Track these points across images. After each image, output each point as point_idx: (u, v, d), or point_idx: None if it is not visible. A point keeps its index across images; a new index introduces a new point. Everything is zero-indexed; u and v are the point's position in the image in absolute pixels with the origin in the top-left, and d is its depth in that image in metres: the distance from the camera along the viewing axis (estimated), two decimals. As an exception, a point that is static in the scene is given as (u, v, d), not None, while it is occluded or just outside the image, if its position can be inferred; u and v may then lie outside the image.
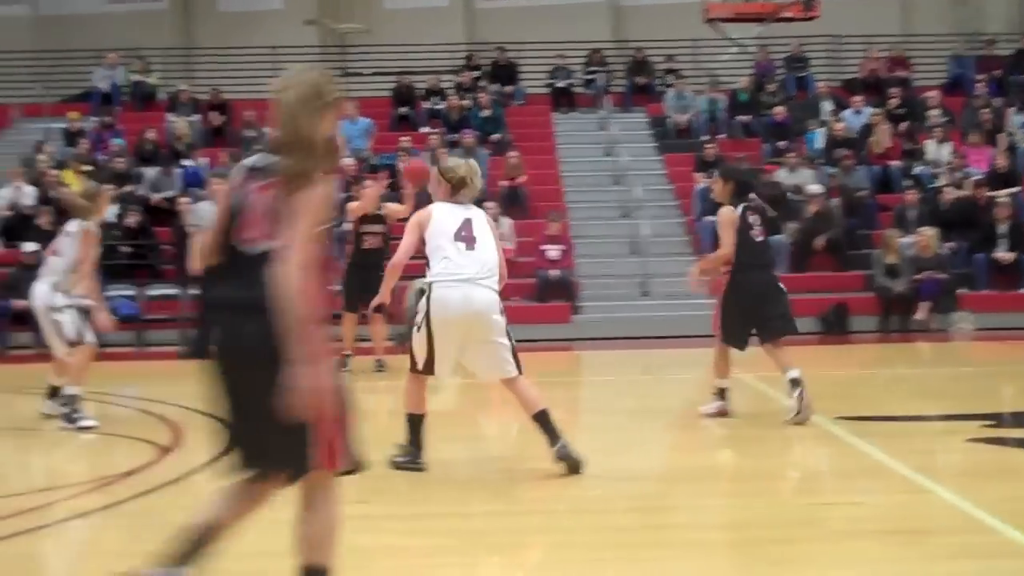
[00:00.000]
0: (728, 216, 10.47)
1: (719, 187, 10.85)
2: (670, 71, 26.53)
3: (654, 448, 10.08)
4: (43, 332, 10.84)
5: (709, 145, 23.01)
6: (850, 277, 20.44)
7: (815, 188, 21.08)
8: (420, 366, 8.16)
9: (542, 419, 8.04)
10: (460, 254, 8.11)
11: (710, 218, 21.18)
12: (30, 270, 18.40)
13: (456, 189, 8.32)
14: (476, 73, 26.42)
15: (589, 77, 26.63)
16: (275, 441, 4.52)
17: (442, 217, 8.24)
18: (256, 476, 4.69)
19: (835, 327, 19.42)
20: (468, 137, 23.11)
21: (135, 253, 20.38)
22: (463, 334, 8.07)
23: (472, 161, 8.74)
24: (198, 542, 4.70)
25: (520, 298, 20.03)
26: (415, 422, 8.35)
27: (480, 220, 8.29)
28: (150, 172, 22.22)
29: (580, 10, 29.07)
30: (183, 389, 12.01)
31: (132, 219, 20.11)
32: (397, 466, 8.21)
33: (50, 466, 9.58)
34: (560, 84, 26.36)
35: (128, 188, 21.62)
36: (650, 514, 7.08)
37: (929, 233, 19.74)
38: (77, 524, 7.16)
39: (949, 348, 17.99)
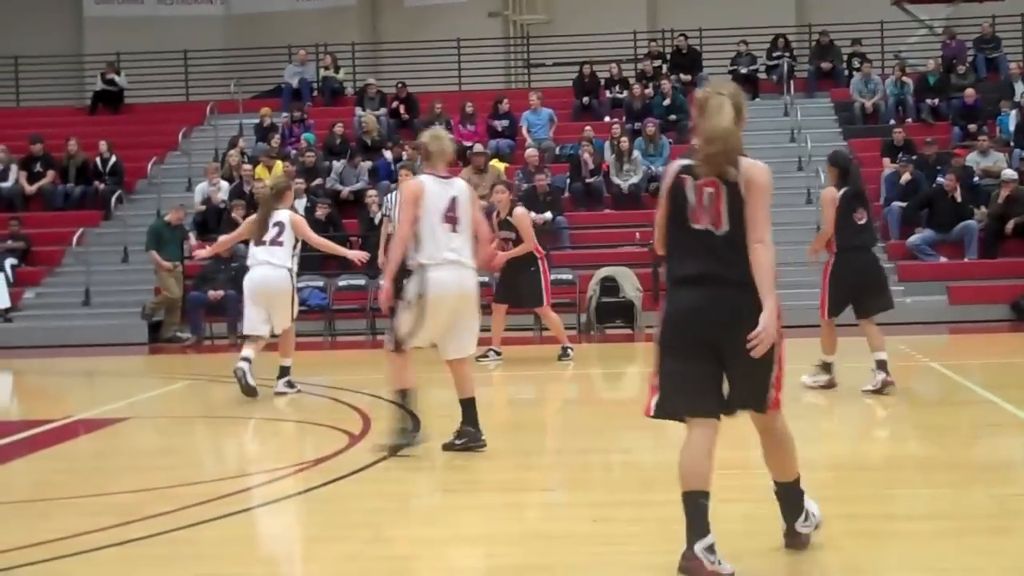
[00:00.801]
0: (829, 196, 11.07)
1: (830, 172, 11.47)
2: (856, 55, 26.07)
3: (842, 437, 9.96)
4: (273, 316, 11.56)
5: (897, 129, 22.59)
6: (1044, 262, 19.88)
7: (1008, 172, 20.54)
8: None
9: (468, 404, 8.45)
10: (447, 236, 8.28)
11: (898, 203, 20.90)
12: (226, 263, 19.04)
13: (428, 160, 8.49)
14: (658, 61, 26.33)
15: (773, 63, 26.34)
16: (757, 384, 5.46)
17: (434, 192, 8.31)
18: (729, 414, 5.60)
19: (1027, 314, 18.91)
20: (650, 126, 23.05)
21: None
22: (449, 311, 8.30)
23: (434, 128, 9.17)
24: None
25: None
26: (408, 397, 8.58)
27: (464, 197, 8.38)
28: (338, 165, 22.66)
29: (763, -5, 28.76)
30: (371, 377, 12.32)
31: (321, 211, 20.56)
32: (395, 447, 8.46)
33: (245, 453, 9.86)
34: (743, 70, 26.10)
35: (318, 181, 22.09)
36: (841, 504, 7.02)
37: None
38: (272, 509, 7.38)
39: None
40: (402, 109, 25.09)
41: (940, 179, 20.55)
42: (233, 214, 20.02)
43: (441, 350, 8.45)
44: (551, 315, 14.74)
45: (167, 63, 27.67)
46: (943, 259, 20.09)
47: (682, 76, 25.89)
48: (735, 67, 26.24)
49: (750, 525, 6.28)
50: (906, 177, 20.96)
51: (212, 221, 21.10)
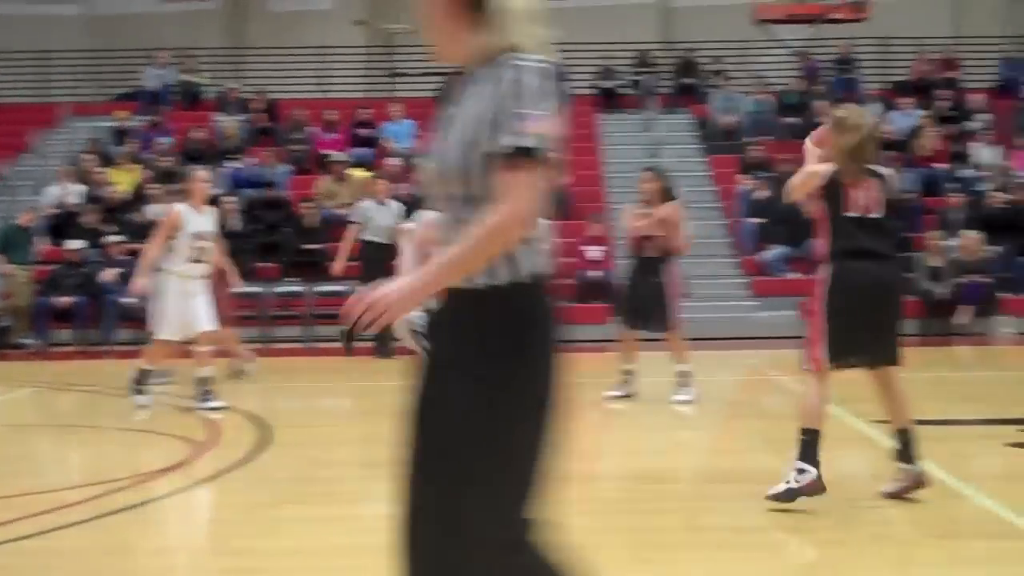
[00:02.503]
0: None
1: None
2: (717, 72, 26.46)
3: (691, 449, 10.07)
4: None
5: (755, 147, 22.94)
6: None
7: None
8: None
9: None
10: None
11: (753, 220, 21.21)
12: (74, 267, 18.66)
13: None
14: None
15: (636, 78, 26.60)
16: (894, 343, 7.07)
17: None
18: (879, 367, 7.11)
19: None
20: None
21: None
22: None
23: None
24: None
25: (560, 299, 20.02)
26: None
27: None
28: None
29: (628, 11, 29.01)
30: (220, 386, 12.14)
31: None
32: None
33: (90, 462, 9.65)
34: (606, 85, 26.34)
35: (175, 186, 21.77)
36: (690, 515, 7.08)
37: (973, 236, 19.59)
38: (116, 519, 7.21)
39: (989, 352, 17.86)
40: (263, 116, 24.86)
41: (795, 196, 20.89)
42: (84, 218, 19.64)
43: None
44: None
45: (24, 63, 27.08)
46: (796, 275, 20.43)
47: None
48: (598, 81, 26.45)
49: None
50: (762, 194, 21.30)
51: (63, 225, 20.68)
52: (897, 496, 7.06)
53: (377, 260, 15.66)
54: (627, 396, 12.01)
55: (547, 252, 3.43)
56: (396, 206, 17.13)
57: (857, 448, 9.15)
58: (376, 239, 16.69)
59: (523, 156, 3.26)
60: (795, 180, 7.33)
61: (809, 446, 6.91)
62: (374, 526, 6.75)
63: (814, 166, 7.30)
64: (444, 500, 3.28)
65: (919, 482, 7.07)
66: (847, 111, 7.31)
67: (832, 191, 7.07)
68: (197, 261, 11.41)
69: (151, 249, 11.47)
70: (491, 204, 3.29)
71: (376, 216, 17.03)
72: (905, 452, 7.12)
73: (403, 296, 3.29)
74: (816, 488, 6.84)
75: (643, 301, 12.04)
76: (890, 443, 7.23)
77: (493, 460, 3.27)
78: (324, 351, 18.21)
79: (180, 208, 11.46)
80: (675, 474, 8.58)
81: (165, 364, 12.14)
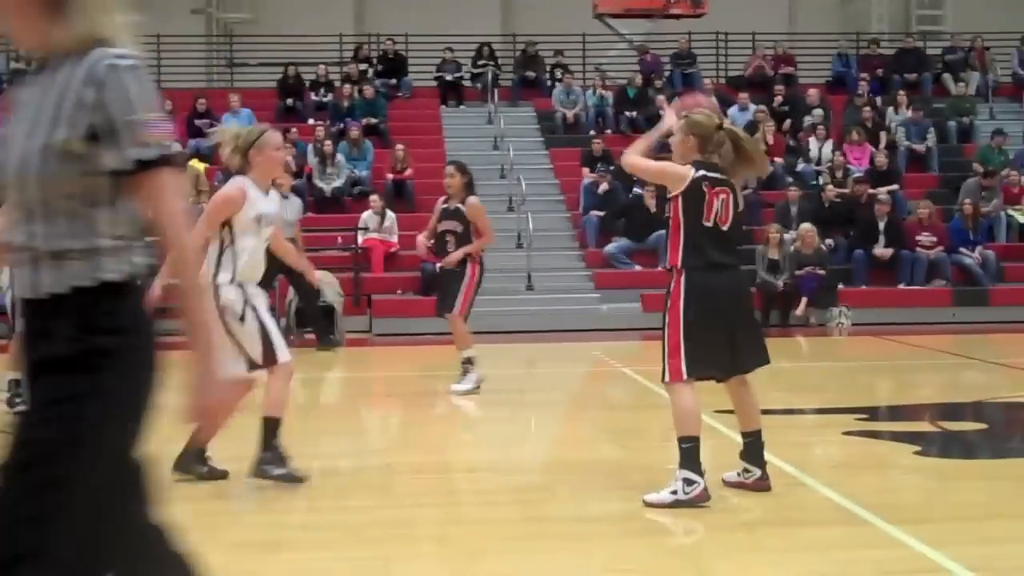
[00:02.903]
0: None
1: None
2: (558, 66, 26.62)
3: (536, 442, 10.11)
4: None
5: (596, 140, 23.13)
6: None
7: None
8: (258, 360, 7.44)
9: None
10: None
11: (595, 213, 21.39)
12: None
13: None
14: (364, 65, 26.30)
15: (478, 71, 26.64)
16: (762, 346, 7.12)
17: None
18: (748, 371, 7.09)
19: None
20: (354, 129, 23.02)
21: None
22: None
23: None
24: None
25: (404, 292, 20.00)
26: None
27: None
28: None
29: (469, 3, 29.02)
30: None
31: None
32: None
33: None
34: (448, 77, 26.33)
35: None
36: (532, 506, 7.09)
37: (810, 229, 20.01)
38: None
39: (827, 343, 18.27)
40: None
41: (637, 189, 21.14)
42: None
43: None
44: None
45: None
46: (638, 267, 20.64)
47: (387, 81, 26.00)
48: (441, 74, 26.44)
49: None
50: (604, 187, 21.50)
51: None
52: (737, 487, 7.15)
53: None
54: (474, 389, 11.92)
55: (149, 251, 3.31)
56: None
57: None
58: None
59: (156, 166, 3.17)
60: (639, 147, 7.23)
61: (691, 454, 6.77)
62: (211, 522, 6.70)
63: (645, 142, 7.25)
64: (39, 503, 3.08)
65: (762, 486, 7.13)
66: (701, 114, 7.09)
67: (691, 198, 6.85)
68: None
69: None
70: (79, 213, 3.17)
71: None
72: (751, 454, 7.18)
73: (219, 384, 3.29)
74: (703, 498, 6.74)
75: (443, 287, 12.23)
76: (737, 437, 7.32)
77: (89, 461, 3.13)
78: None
79: None
80: (518, 466, 8.59)
81: None
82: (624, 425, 10.22)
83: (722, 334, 6.88)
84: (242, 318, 7.31)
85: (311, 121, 24.16)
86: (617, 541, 6.26)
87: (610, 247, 20.88)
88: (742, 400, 7.15)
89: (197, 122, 23.63)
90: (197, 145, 22.80)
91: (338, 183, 21.95)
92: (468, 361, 12.00)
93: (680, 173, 6.92)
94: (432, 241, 12.32)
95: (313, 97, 25.38)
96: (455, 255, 11.87)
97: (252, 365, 7.39)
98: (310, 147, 22.54)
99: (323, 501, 7.25)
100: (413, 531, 6.42)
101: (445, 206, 12.19)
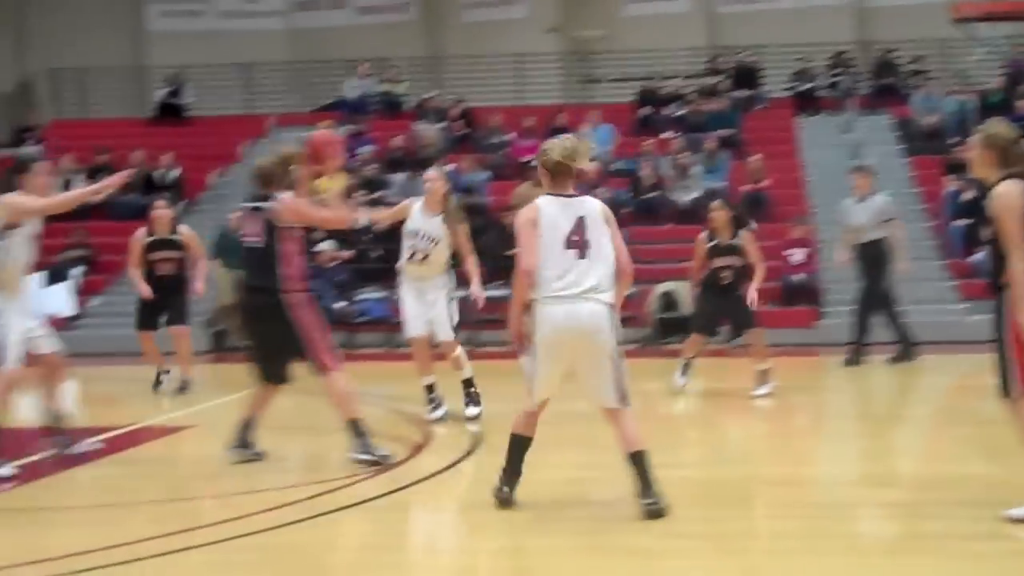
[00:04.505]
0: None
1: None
2: (917, 72, 25.96)
3: (902, 456, 9.94)
4: None
5: (959, 147, 22.45)
6: None
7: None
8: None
9: (638, 460, 7.20)
10: (570, 263, 7.12)
11: (960, 222, 20.76)
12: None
13: (555, 176, 7.23)
14: (718, 78, 26.33)
15: (833, 79, 26.27)
16: None
17: (551, 215, 7.13)
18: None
19: None
20: (709, 141, 23.08)
21: (385, 256, 20.90)
22: (570, 354, 7.16)
23: (571, 138, 7.45)
24: None
25: (764, 303, 19.91)
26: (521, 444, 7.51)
27: (594, 217, 7.18)
28: (398, 178, 22.79)
29: (823, 12, 28.63)
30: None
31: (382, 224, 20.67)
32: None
33: (307, 462, 9.94)
34: (803, 87, 26.07)
35: (378, 194, 22.24)
36: (902, 522, 7.01)
37: None
38: (333, 518, 7.43)
39: None
40: (461, 123, 25.24)
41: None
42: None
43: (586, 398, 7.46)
44: None
45: (229, 76, 27.94)
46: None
47: (741, 92, 25.95)
48: (795, 84, 26.20)
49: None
50: (969, 195, 20.84)
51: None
52: None
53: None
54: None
55: None
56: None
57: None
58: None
59: None
60: None
61: None
62: (592, 528, 6.88)
63: None
64: None
65: None
66: (1000, 125, 6.88)
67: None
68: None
69: None
70: None
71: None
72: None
73: None
74: None
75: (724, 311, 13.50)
76: None
77: None
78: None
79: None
80: (893, 480, 8.48)
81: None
82: (996, 441, 9.93)
83: None
84: None
85: (667, 134, 24.34)
86: (997, 561, 6.13)
87: (978, 256, 20.22)
88: None
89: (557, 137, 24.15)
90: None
91: (695, 195, 22.05)
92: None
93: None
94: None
95: (667, 111, 25.56)
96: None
97: None
98: (666, 160, 22.73)
99: (684, 511, 7.34)
100: (778, 544, 6.44)
101: (715, 243, 13.05)
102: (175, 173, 24.10)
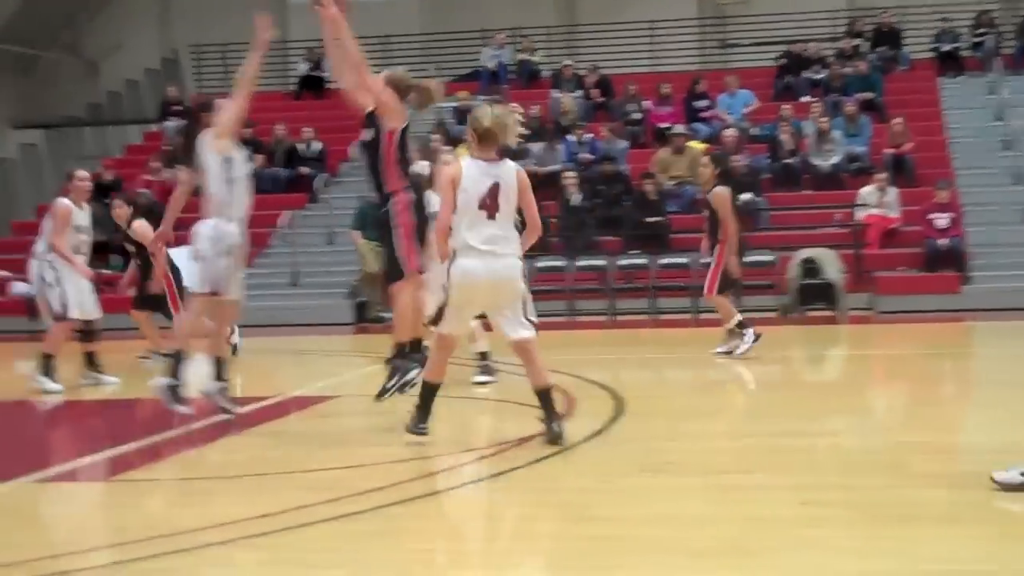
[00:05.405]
0: None
1: None
2: (1065, 30, 25.30)
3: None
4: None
5: (1110, 106, 21.87)
6: None
7: None
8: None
9: (545, 395, 8.32)
10: (483, 224, 8.14)
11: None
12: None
13: (481, 141, 8.24)
14: (857, 40, 25.91)
15: (977, 40, 25.69)
16: None
17: (471, 178, 8.15)
18: None
19: None
20: (850, 105, 22.75)
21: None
22: (483, 299, 8.29)
23: (503, 108, 8.55)
24: None
25: (907, 268, 19.64)
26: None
27: (509, 183, 8.21)
28: (537, 147, 22.85)
29: (967, -30, 28.01)
30: (572, 358, 12.43)
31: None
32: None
33: (448, 431, 10.02)
34: (946, 48, 25.54)
35: (517, 163, 22.28)
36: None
37: None
38: (478, 487, 7.52)
39: None
40: (598, 91, 25.19)
41: None
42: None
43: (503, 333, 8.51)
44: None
45: (367, 48, 28.16)
46: None
47: (883, 54, 25.50)
48: (937, 44, 25.69)
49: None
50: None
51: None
52: None
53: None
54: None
55: None
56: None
57: None
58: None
59: None
60: None
61: None
62: (734, 497, 6.88)
63: None
64: None
65: None
66: None
67: None
68: None
69: None
70: None
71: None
72: None
73: None
74: None
75: None
76: None
77: None
78: (667, 323, 18.37)
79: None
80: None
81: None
82: None
83: None
84: None
85: (806, 98, 24.03)
86: None
87: None
88: None
89: (695, 103, 24.02)
90: (693, 126, 23.21)
91: (835, 160, 21.77)
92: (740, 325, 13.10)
93: None
94: None
95: (805, 74, 25.23)
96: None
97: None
98: (805, 124, 22.46)
99: (830, 478, 7.30)
100: (926, 511, 6.38)
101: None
102: (317, 146, 24.45)
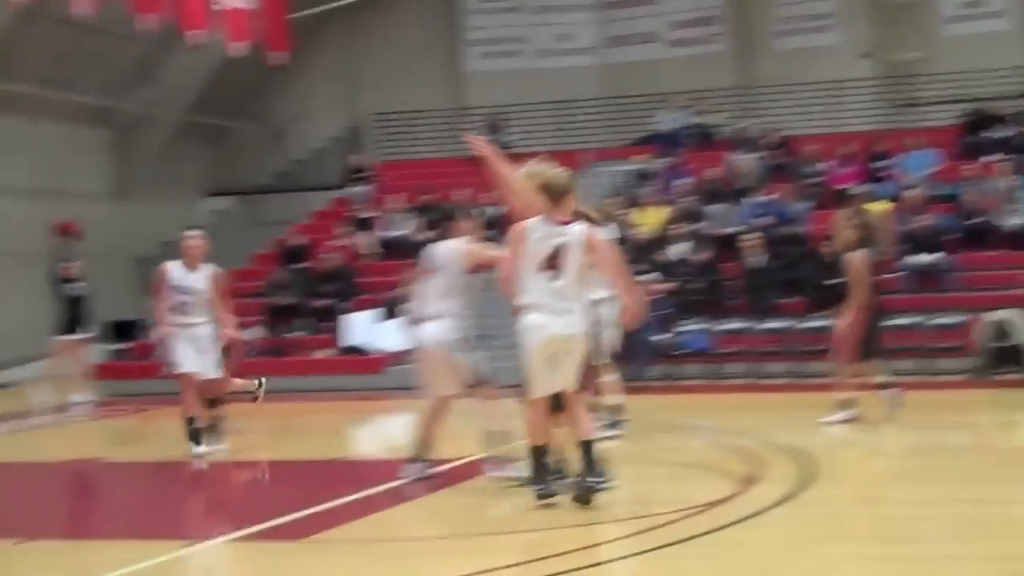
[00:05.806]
0: None
1: None
2: None
3: None
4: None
5: None
6: None
7: None
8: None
9: (586, 447, 8.68)
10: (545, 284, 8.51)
11: None
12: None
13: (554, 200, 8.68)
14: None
15: None
16: None
17: (535, 238, 8.54)
18: None
19: None
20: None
21: (705, 288, 20.92)
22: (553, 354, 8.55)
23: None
24: None
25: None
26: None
27: (574, 245, 8.50)
28: (716, 209, 22.79)
29: None
30: (757, 421, 12.37)
31: (702, 255, 20.81)
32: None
33: (632, 497, 10.02)
34: None
35: (697, 225, 22.29)
36: None
37: None
38: (663, 553, 7.51)
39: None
40: (777, 153, 25.08)
41: None
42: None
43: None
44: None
45: (545, 113, 28.56)
46: None
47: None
48: None
49: None
50: None
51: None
52: None
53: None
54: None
55: None
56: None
57: None
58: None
59: None
60: None
61: None
62: (932, 568, 6.77)
63: None
64: None
65: None
66: None
67: None
68: None
69: None
70: None
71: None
72: None
73: None
74: None
75: None
76: None
77: None
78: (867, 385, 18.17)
79: None
80: None
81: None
82: None
83: None
84: None
85: (991, 156, 23.57)
86: None
87: None
88: None
89: (874, 164, 23.79)
90: (873, 187, 22.97)
91: (1020, 219, 21.32)
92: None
93: None
94: None
95: (989, 132, 24.74)
96: None
97: None
98: (991, 183, 22.05)
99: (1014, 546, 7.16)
100: None
101: None
102: (499, 210, 24.73)
